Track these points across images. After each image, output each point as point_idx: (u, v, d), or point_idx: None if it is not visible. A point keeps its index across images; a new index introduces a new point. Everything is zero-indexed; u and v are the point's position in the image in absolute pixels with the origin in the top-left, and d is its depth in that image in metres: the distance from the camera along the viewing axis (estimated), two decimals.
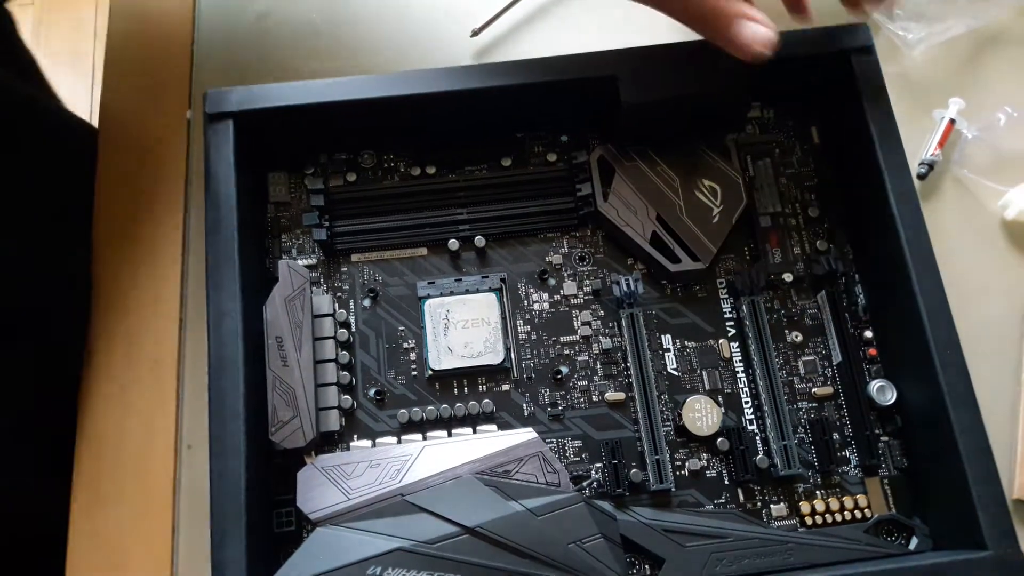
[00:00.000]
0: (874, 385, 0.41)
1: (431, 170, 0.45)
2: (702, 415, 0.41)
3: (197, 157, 0.48)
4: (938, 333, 0.38)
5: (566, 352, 0.43)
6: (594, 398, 0.42)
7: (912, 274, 0.38)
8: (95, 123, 0.50)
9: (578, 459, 0.41)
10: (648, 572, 0.38)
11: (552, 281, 0.44)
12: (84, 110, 0.52)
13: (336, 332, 0.43)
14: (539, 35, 0.51)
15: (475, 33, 0.51)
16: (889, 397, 0.40)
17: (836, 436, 0.41)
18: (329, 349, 0.42)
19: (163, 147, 0.49)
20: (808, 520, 0.39)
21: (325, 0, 0.52)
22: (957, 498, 0.36)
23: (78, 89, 0.57)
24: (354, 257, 0.45)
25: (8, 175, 0.45)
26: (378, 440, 0.41)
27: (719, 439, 0.40)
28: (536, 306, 0.44)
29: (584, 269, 0.44)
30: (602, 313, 0.43)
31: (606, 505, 0.39)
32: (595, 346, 0.43)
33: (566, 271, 0.44)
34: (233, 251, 0.40)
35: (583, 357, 0.43)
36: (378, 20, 0.52)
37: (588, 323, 0.43)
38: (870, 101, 0.42)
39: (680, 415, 0.41)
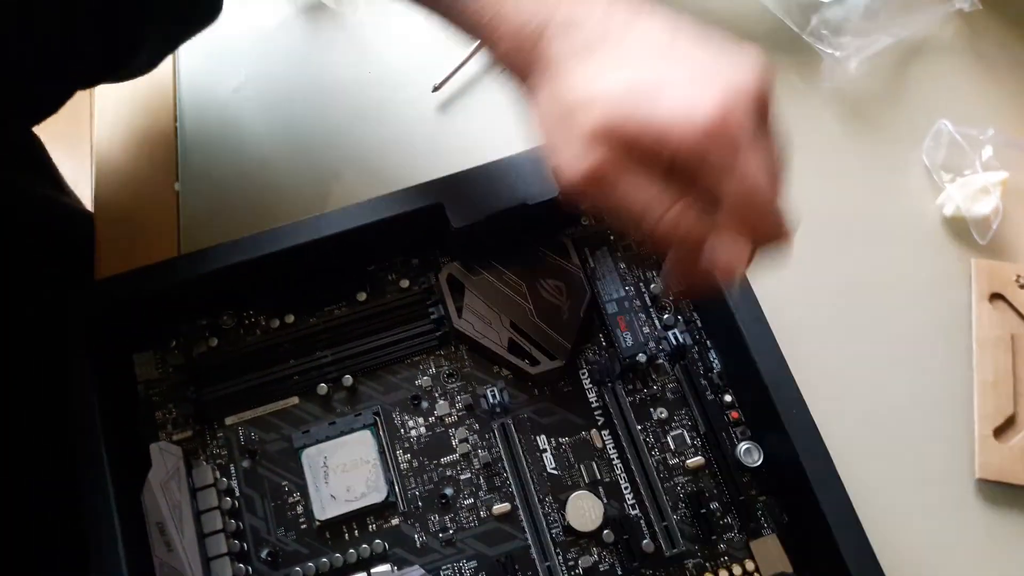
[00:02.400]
0: (741, 448, 0.42)
1: (290, 319, 0.46)
2: (584, 510, 0.42)
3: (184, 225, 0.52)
4: (780, 395, 0.39)
5: (448, 473, 0.43)
6: (482, 514, 0.43)
7: (748, 342, 0.40)
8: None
9: None
10: None
11: (425, 404, 0.45)
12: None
13: (220, 501, 0.43)
14: (496, 85, 0.55)
15: (436, 88, 0.55)
16: (756, 458, 0.42)
17: (716, 505, 0.42)
18: (215, 520, 0.42)
19: (155, 218, 0.52)
20: None
21: (298, 68, 0.55)
22: (829, 549, 0.37)
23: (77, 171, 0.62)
24: (228, 420, 0.45)
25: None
26: None
27: (604, 531, 0.41)
28: (413, 432, 0.44)
29: (454, 386, 0.45)
30: (477, 426, 0.44)
31: None
32: (475, 461, 0.44)
33: (437, 391, 0.45)
34: (98, 444, 0.40)
35: (466, 475, 0.43)
36: (345, 81, 0.55)
37: (465, 439, 0.44)
38: None
39: (564, 515, 0.42)
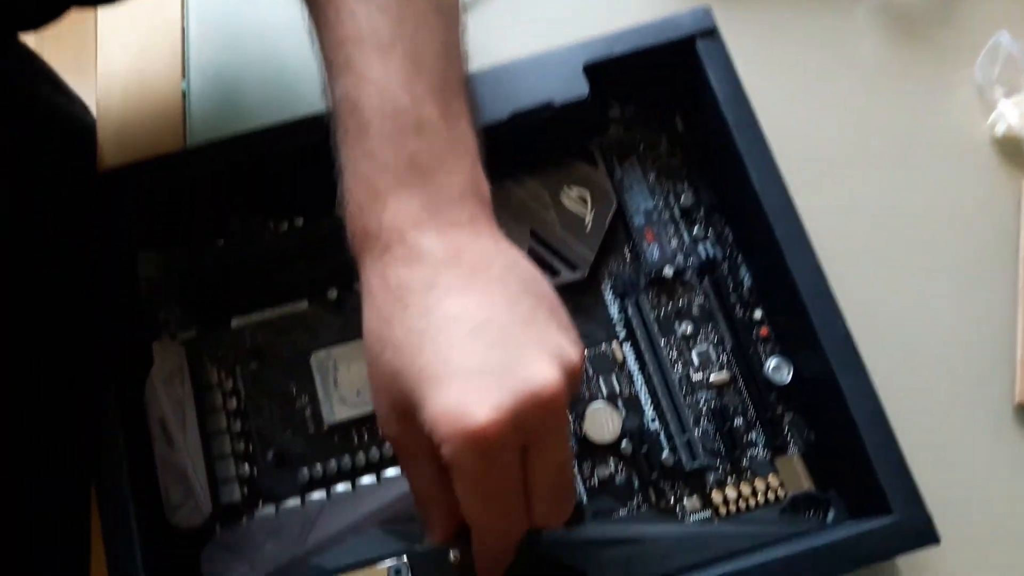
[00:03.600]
0: (770, 365, 0.40)
1: (299, 222, 0.45)
2: (602, 422, 0.40)
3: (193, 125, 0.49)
4: (817, 307, 0.37)
5: None
6: None
7: (784, 253, 0.38)
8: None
9: None
10: None
11: None
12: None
13: (225, 402, 0.41)
14: None
15: None
16: (785, 375, 0.40)
17: (740, 421, 0.40)
18: (220, 420, 0.41)
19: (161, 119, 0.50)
20: (722, 510, 0.39)
21: None
22: (862, 466, 0.36)
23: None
24: (234, 322, 0.43)
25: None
26: (283, 504, 0.39)
27: (622, 443, 0.40)
28: None
29: None
30: None
31: None
32: None
33: None
34: (102, 342, 0.39)
35: None
36: None
37: None
38: (720, 83, 0.42)
39: (582, 426, 0.40)
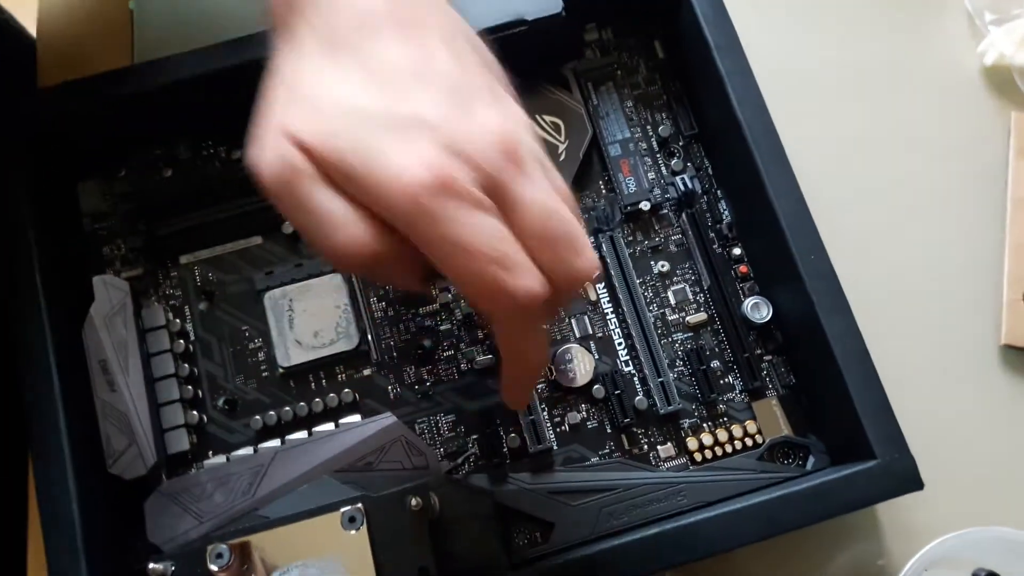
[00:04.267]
0: (748, 303, 0.38)
1: None
2: (574, 365, 0.38)
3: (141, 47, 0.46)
4: (799, 240, 0.35)
5: (427, 324, 0.40)
6: (463, 367, 0.39)
7: (766, 185, 0.36)
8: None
9: (453, 434, 0.38)
10: (540, 539, 0.36)
11: None
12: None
13: (172, 344, 0.39)
14: None
15: None
16: (765, 314, 0.38)
17: (716, 364, 0.38)
18: (166, 364, 0.38)
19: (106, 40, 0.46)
20: (697, 456, 0.37)
21: None
22: (844, 409, 0.34)
23: None
24: (183, 259, 0.41)
25: None
26: (233, 454, 0.37)
27: (594, 387, 0.38)
28: None
29: None
30: None
31: (480, 479, 0.36)
32: (457, 312, 0.40)
33: None
34: (34, 278, 0.36)
35: (446, 326, 0.39)
36: None
37: (446, 288, 0.40)
38: (703, 2, 0.39)
39: (552, 369, 0.38)
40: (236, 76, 0.39)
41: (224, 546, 0.30)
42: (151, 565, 0.30)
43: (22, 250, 0.37)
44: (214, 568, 0.30)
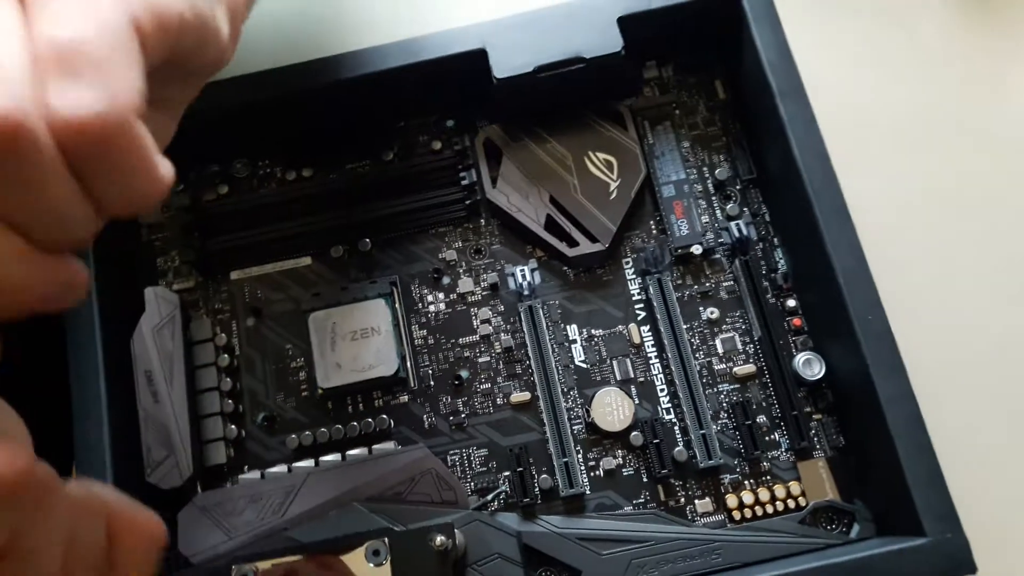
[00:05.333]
0: (800, 359, 0.37)
1: (308, 173, 0.42)
2: (613, 409, 0.37)
3: None
4: (856, 297, 0.34)
5: (466, 354, 0.39)
6: (498, 401, 0.38)
7: (824, 236, 0.35)
8: None
9: (484, 469, 0.37)
10: None
11: (447, 279, 0.40)
12: None
13: (217, 358, 0.39)
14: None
15: None
16: (817, 371, 0.37)
17: (763, 419, 0.37)
18: (210, 377, 0.39)
19: None
20: (736, 514, 0.35)
21: None
22: (893, 478, 0.32)
23: None
24: (233, 275, 0.41)
25: None
26: (268, 470, 0.37)
27: (632, 433, 0.37)
28: (432, 308, 0.40)
29: (480, 263, 0.41)
30: (502, 308, 0.40)
31: (509, 518, 0.35)
32: (496, 345, 0.39)
33: (461, 267, 0.41)
34: (89, 283, 0.37)
35: (484, 358, 0.39)
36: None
37: (488, 320, 0.40)
38: (766, 44, 0.38)
39: (589, 411, 0.37)
40: (295, 101, 0.39)
41: (249, 567, 0.30)
42: None
43: (80, 255, 0.38)
44: None
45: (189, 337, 0.39)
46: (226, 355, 0.39)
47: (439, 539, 0.30)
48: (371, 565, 0.30)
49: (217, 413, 0.39)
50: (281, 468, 0.37)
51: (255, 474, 0.37)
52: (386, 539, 0.30)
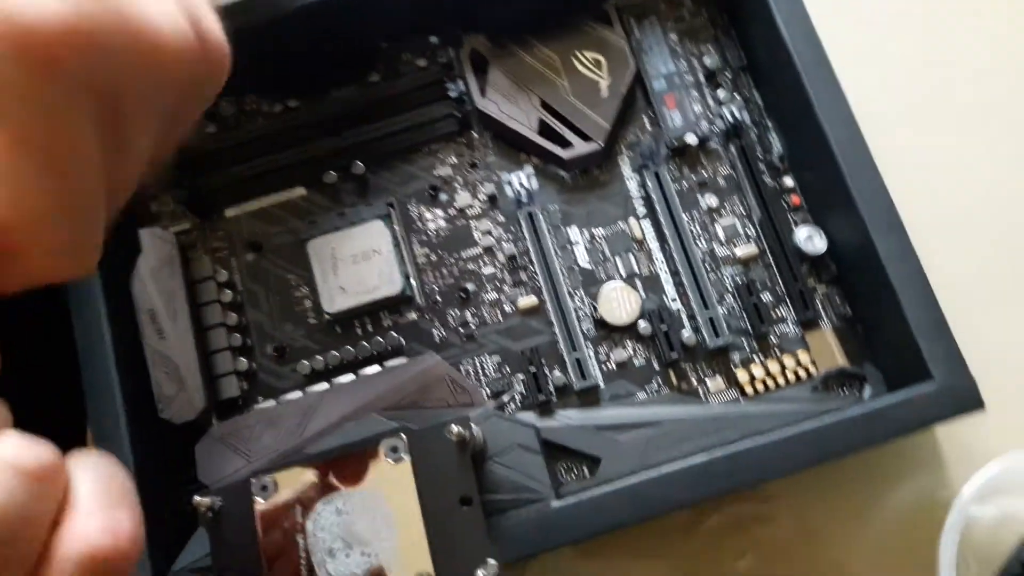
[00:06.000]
0: (801, 234, 0.37)
1: (293, 104, 0.42)
2: (620, 303, 0.37)
3: None
4: (851, 161, 0.34)
5: (470, 268, 0.39)
6: (507, 309, 0.38)
7: (816, 108, 0.35)
8: None
9: (499, 375, 0.37)
10: (587, 475, 0.35)
11: (444, 196, 0.40)
12: None
13: (220, 294, 0.39)
14: None
15: None
16: (819, 245, 0.37)
17: (768, 296, 0.37)
18: (214, 313, 0.39)
19: None
20: (748, 389, 0.36)
21: None
22: (900, 332, 0.32)
23: None
24: (228, 212, 0.41)
25: None
26: (282, 397, 0.37)
27: (640, 324, 0.37)
28: (431, 225, 0.40)
29: (476, 176, 0.40)
30: (502, 219, 0.40)
31: (527, 416, 0.35)
32: (499, 255, 0.39)
33: (457, 182, 0.40)
34: None
35: (489, 269, 0.39)
36: None
37: (488, 232, 0.39)
38: None
39: (596, 307, 0.37)
40: (277, 30, 0.39)
41: (268, 478, 0.30)
42: (196, 498, 0.30)
43: None
44: (259, 500, 0.30)
45: (190, 277, 0.39)
46: (228, 291, 0.39)
47: (456, 429, 0.30)
48: (391, 462, 0.30)
49: (225, 348, 0.39)
50: (296, 394, 0.37)
51: (270, 403, 0.37)
52: (403, 435, 0.30)
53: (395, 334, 0.38)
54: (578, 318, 0.37)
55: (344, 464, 0.31)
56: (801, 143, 0.37)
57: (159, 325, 0.38)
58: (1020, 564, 0.30)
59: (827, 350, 0.36)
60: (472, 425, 0.31)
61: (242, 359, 0.38)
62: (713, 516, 0.36)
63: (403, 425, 0.32)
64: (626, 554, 0.36)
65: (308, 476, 0.31)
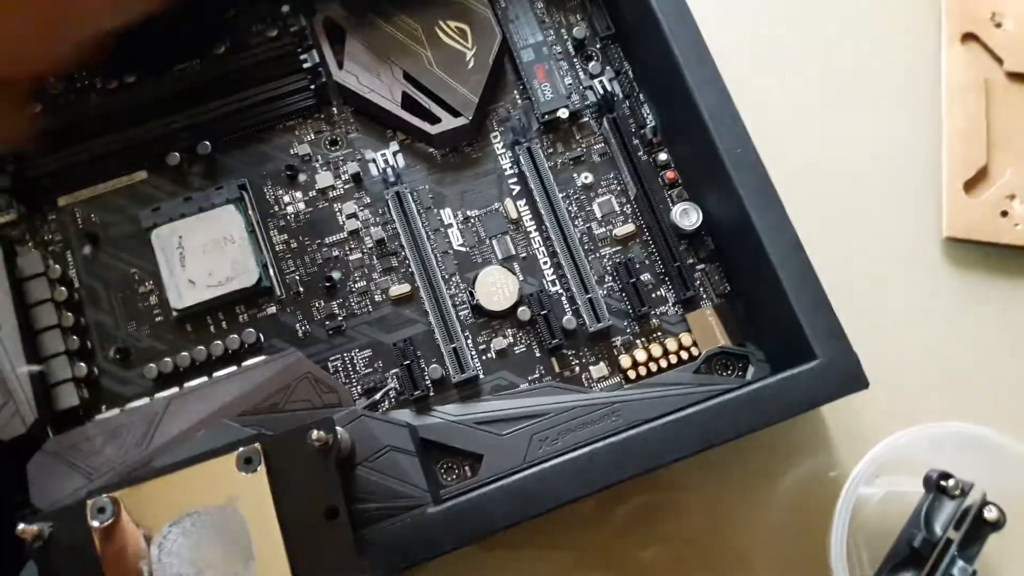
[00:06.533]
0: (677, 210, 0.36)
1: (131, 79, 0.38)
2: (497, 288, 0.35)
3: None
4: (724, 134, 0.33)
5: (335, 254, 0.36)
6: (377, 298, 0.36)
7: (688, 80, 0.33)
8: None
9: (370, 370, 0.35)
10: (469, 474, 0.33)
11: (303, 176, 0.37)
12: None
13: (54, 292, 0.35)
14: None
15: None
16: (694, 220, 0.36)
17: (647, 276, 0.36)
18: (48, 315, 0.35)
19: None
20: (631, 374, 0.34)
21: None
22: (781, 310, 0.32)
23: None
24: (61, 200, 0.37)
25: None
26: (128, 405, 0.34)
27: (520, 309, 0.35)
28: (290, 208, 0.37)
29: (338, 154, 0.38)
30: (368, 200, 0.37)
31: (403, 415, 0.33)
32: (367, 239, 0.36)
33: (317, 161, 0.37)
34: None
35: (356, 255, 0.36)
36: None
37: (354, 215, 0.37)
38: None
39: (473, 293, 0.35)
40: None
41: (107, 499, 0.27)
42: (21, 526, 0.27)
43: None
44: (96, 524, 0.27)
45: (17, 274, 0.35)
46: (63, 288, 0.35)
47: (316, 434, 0.27)
48: (244, 474, 0.27)
49: (62, 352, 0.34)
50: (143, 401, 0.34)
51: (114, 412, 0.34)
52: (258, 444, 0.28)
53: (252, 330, 0.35)
54: (454, 305, 0.35)
55: (193, 479, 0.28)
56: (674, 115, 0.36)
57: None
58: (907, 544, 0.30)
59: (708, 330, 0.35)
60: (337, 428, 0.29)
61: (81, 364, 0.35)
62: (618, 507, 0.34)
63: (259, 432, 0.29)
64: (530, 545, 0.34)
65: (152, 493, 0.28)
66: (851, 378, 0.30)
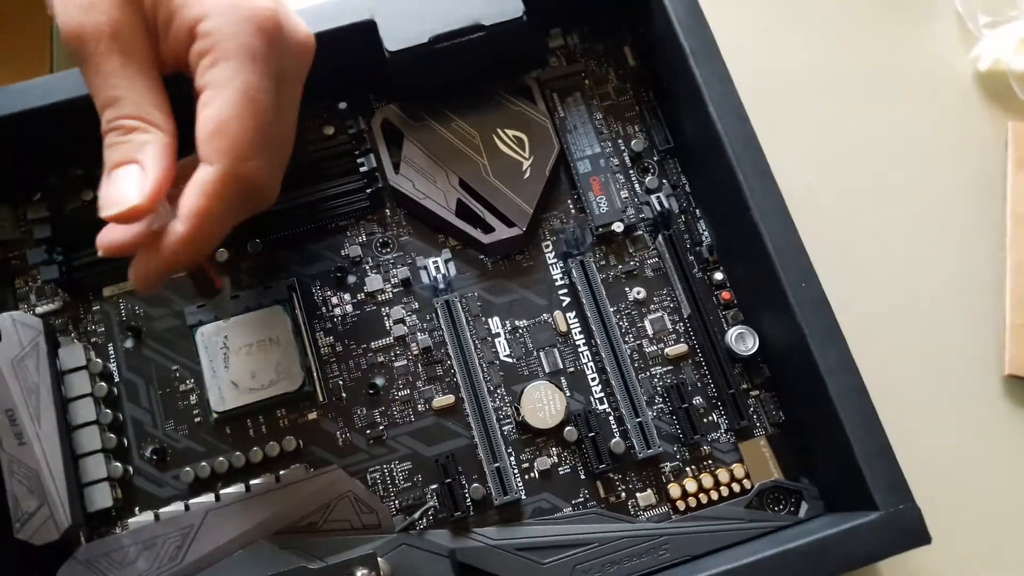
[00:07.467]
0: (732, 334, 0.35)
1: None
2: (544, 404, 0.34)
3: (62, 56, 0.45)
4: (788, 264, 0.32)
5: (380, 359, 0.36)
6: (419, 408, 0.35)
7: (750, 202, 0.33)
8: None
9: (409, 484, 0.34)
10: None
11: (352, 278, 0.37)
12: None
13: (94, 387, 0.35)
14: None
15: None
16: (751, 345, 0.35)
17: (699, 400, 0.35)
18: (87, 410, 0.34)
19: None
20: (680, 504, 0.33)
21: None
22: (840, 451, 0.31)
23: None
24: (106, 291, 0.37)
25: None
26: (162, 510, 0.33)
27: (566, 428, 0.34)
28: (337, 311, 0.36)
29: (388, 257, 0.37)
30: (416, 306, 0.36)
31: (441, 535, 0.32)
32: (413, 346, 0.36)
33: (367, 263, 0.37)
34: None
35: (401, 362, 0.36)
36: None
37: (401, 320, 0.36)
38: (676, 4, 0.35)
39: (519, 409, 0.34)
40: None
41: None
42: None
43: None
44: None
45: (59, 366, 0.35)
46: (103, 383, 0.35)
47: (360, 573, 0.26)
48: None
49: (98, 450, 0.34)
50: (177, 506, 0.33)
51: (148, 516, 0.33)
52: None
53: (292, 437, 0.34)
54: (498, 419, 0.34)
55: None
56: (733, 235, 0.36)
57: (19, 427, 0.33)
58: None
59: (761, 461, 0.34)
60: (379, 560, 0.28)
61: (116, 463, 0.34)
62: None
63: (300, 566, 0.28)
64: None
65: None
66: (913, 533, 0.29)
